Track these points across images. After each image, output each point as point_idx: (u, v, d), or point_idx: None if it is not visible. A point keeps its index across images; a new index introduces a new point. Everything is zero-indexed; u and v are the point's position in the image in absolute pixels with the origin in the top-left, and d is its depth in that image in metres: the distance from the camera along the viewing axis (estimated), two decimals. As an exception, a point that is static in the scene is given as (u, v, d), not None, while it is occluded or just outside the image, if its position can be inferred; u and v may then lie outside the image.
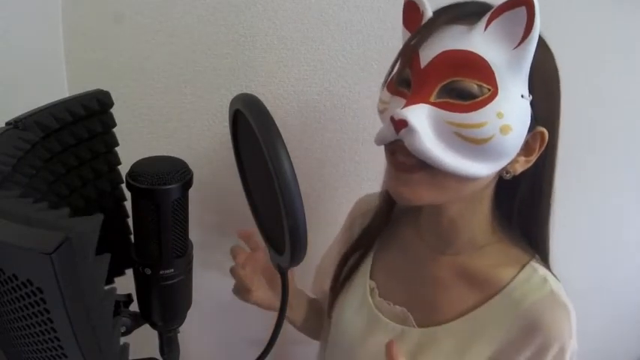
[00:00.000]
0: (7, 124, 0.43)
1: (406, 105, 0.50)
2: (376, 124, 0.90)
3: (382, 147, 0.56)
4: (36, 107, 0.46)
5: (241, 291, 0.71)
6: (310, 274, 0.85)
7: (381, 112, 0.58)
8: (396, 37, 0.84)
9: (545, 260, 0.61)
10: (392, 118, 0.50)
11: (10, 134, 0.42)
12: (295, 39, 0.81)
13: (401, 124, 0.49)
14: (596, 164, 1.10)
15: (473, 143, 0.48)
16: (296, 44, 0.81)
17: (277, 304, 0.72)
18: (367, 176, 0.94)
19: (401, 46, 0.55)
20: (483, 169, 0.50)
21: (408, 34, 0.56)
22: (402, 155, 0.52)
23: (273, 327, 0.56)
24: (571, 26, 0.91)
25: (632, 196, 1.20)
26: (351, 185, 0.94)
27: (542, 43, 0.51)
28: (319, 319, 0.79)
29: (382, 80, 0.58)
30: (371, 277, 0.70)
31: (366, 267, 0.71)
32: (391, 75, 0.57)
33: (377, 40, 0.84)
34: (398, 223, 0.71)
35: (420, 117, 0.49)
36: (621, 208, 1.20)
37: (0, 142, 0.40)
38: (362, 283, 0.70)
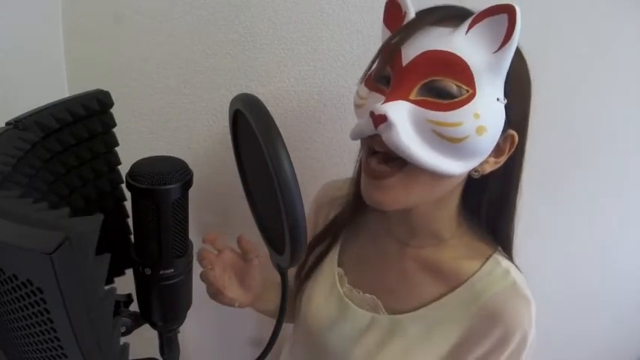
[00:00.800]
0: (7, 124, 0.43)
1: (386, 101, 0.51)
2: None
3: None
4: (36, 107, 0.46)
5: (213, 293, 0.70)
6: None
7: (358, 106, 0.59)
8: (396, 37, 0.84)
9: (508, 253, 0.64)
10: (372, 113, 0.51)
11: (10, 134, 0.42)
12: (295, 39, 0.81)
13: (380, 119, 0.50)
14: (597, 164, 1.10)
15: (449, 141, 0.50)
16: (296, 44, 0.81)
17: (248, 301, 0.72)
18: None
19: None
20: (457, 167, 0.52)
21: (388, 33, 0.58)
22: (374, 162, 0.54)
23: (273, 327, 0.56)
24: (570, 26, 0.91)
25: (632, 196, 1.20)
26: (351, 185, 0.94)
27: (519, 53, 0.53)
28: (291, 304, 0.79)
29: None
30: (339, 265, 0.71)
31: (333, 255, 0.72)
32: (370, 71, 0.58)
33: (377, 40, 0.83)
34: (367, 212, 0.72)
35: (400, 113, 0.50)
36: (621, 209, 1.20)
37: (0, 142, 0.40)
38: (330, 271, 0.71)
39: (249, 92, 0.50)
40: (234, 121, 0.56)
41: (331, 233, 0.73)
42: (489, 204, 0.61)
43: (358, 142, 0.59)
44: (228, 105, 0.55)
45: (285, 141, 0.42)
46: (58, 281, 0.30)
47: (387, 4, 0.58)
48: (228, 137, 0.60)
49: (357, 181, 0.68)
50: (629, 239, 1.27)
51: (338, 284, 0.70)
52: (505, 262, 0.61)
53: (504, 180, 0.59)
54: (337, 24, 0.82)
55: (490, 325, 0.58)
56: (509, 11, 0.47)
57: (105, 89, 0.51)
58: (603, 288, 1.29)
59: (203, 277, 0.68)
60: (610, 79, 1.00)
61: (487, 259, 0.61)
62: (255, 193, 0.62)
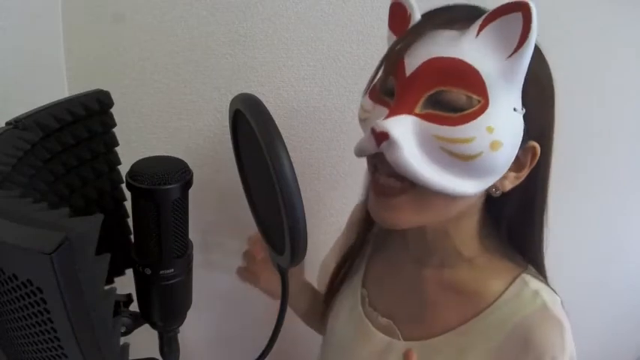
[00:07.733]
0: (7, 124, 0.43)
1: (389, 115, 0.47)
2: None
3: None
4: (36, 107, 0.46)
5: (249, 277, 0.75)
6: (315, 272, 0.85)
7: (362, 120, 0.55)
8: (396, 37, 0.84)
9: (540, 272, 0.59)
10: (373, 130, 0.47)
11: (10, 134, 0.42)
12: (295, 39, 0.81)
13: (382, 137, 0.46)
14: (597, 164, 1.10)
15: (460, 159, 0.45)
16: (296, 44, 0.81)
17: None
18: (367, 176, 0.94)
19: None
20: (470, 186, 0.47)
21: (394, 38, 0.53)
22: (382, 176, 0.50)
23: (274, 327, 0.56)
24: (571, 26, 0.91)
25: (632, 197, 1.20)
26: (351, 185, 0.94)
27: (537, 52, 0.48)
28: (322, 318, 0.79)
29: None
30: (363, 286, 0.68)
31: (359, 275, 0.70)
32: (374, 81, 0.54)
33: (377, 40, 0.84)
34: (388, 232, 0.69)
35: (404, 129, 0.46)
36: (620, 208, 1.20)
37: (0, 142, 0.40)
38: (354, 291, 0.69)
39: (249, 92, 0.50)
40: (234, 121, 0.56)
41: (353, 254, 0.71)
42: (512, 221, 0.56)
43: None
44: (228, 105, 0.55)
45: (285, 141, 0.42)
46: (58, 281, 0.30)
47: (391, 6, 0.54)
48: (228, 137, 0.60)
49: (364, 206, 0.63)
50: (629, 239, 1.27)
51: (360, 305, 0.67)
52: (534, 283, 0.55)
53: (528, 195, 0.54)
54: (337, 24, 0.82)
55: (519, 351, 0.52)
56: (524, 9, 0.42)
57: (105, 89, 0.51)
58: (602, 288, 1.29)
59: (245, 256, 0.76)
60: (614, 78, 1.00)
61: (514, 279, 0.56)
62: (255, 193, 0.62)
